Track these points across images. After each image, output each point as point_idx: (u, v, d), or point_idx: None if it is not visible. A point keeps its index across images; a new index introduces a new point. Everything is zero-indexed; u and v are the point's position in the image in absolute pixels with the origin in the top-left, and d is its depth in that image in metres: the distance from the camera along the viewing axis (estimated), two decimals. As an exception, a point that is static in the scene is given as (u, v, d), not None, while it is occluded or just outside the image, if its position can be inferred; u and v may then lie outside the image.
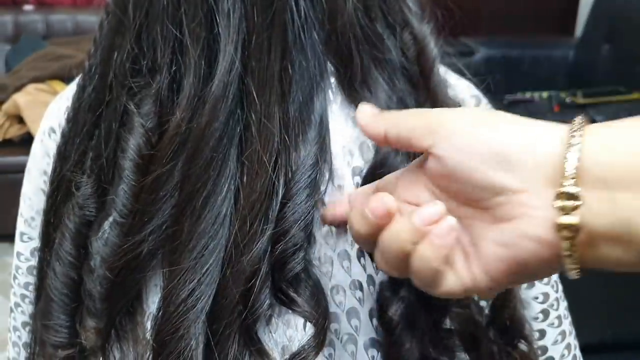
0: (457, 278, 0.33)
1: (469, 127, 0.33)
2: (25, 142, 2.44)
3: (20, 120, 2.45)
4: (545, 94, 1.91)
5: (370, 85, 0.42)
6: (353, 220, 0.35)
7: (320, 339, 0.39)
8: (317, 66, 0.42)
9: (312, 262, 0.40)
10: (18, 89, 2.46)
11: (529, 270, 0.31)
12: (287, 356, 0.40)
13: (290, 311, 0.40)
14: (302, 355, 0.38)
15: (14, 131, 2.47)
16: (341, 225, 0.41)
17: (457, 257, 0.33)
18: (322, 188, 0.41)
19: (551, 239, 0.30)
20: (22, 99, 2.40)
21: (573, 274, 0.30)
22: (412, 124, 0.35)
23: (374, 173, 0.41)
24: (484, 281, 0.32)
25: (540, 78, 2.19)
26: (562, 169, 0.29)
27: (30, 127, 2.38)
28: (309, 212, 0.39)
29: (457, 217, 0.33)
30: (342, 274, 0.41)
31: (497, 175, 0.31)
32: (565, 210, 0.29)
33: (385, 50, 0.43)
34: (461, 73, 0.49)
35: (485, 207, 0.32)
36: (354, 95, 0.43)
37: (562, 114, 1.78)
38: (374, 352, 0.41)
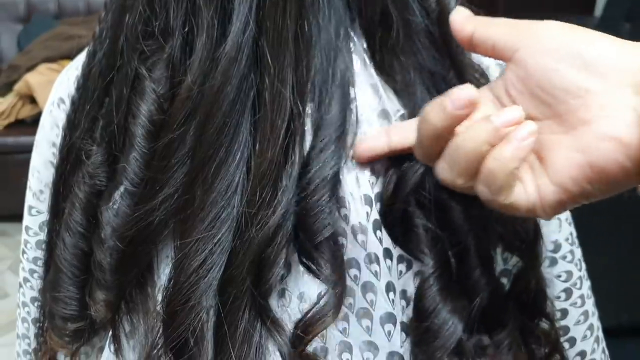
0: (523, 191, 0.33)
1: (560, 32, 0.33)
2: (37, 122, 2.44)
3: (32, 100, 2.45)
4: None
5: (397, 50, 0.40)
6: (428, 115, 0.34)
7: (337, 303, 0.38)
8: (339, 28, 0.40)
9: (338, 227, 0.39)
10: (30, 69, 2.46)
11: (602, 179, 0.31)
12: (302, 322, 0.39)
13: (303, 284, 0.39)
14: (319, 319, 0.38)
15: (27, 111, 2.48)
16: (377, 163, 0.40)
17: (524, 171, 0.33)
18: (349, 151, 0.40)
19: (634, 139, 0.30)
20: (34, 79, 2.41)
21: None
22: (502, 28, 0.35)
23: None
24: (552, 194, 0.32)
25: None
26: None
27: (42, 107, 2.38)
28: (336, 173, 0.38)
29: None
30: (357, 248, 0.40)
31: (580, 76, 0.31)
32: None
33: (410, 13, 0.41)
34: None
35: (560, 113, 0.32)
36: (380, 60, 0.41)
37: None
38: (390, 326, 0.40)
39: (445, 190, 0.39)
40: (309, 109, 0.40)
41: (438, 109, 0.33)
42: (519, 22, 0.35)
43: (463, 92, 0.33)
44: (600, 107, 0.31)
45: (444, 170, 0.34)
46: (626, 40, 0.32)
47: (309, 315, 0.38)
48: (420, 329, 0.39)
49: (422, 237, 0.39)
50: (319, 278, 0.38)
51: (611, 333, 1.28)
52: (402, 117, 0.41)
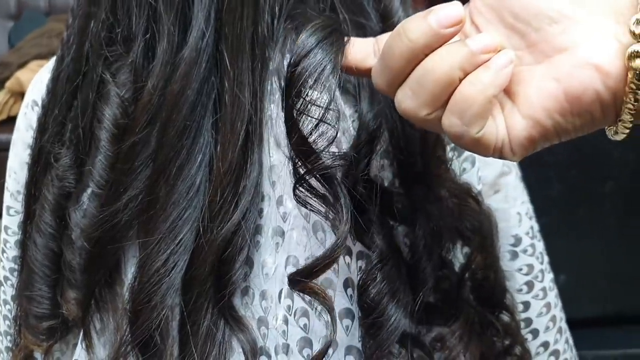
0: (494, 126, 0.31)
1: None
2: (29, 119, 2.44)
3: (23, 97, 2.45)
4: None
5: None
6: (405, 33, 0.31)
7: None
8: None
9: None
10: (21, 66, 2.46)
11: (577, 110, 0.29)
12: (264, 327, 0.41)
13: (265, 282, 0.40)
14: (326, 262, 0.38)
15: (18, 108, 2.47)
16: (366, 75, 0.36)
17: (494, 108, 0.31)
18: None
19: (614, 72, 0.28)
20: (25, 76, 2.40)
21: (622, 128, 0.29)
22: None
23: None
24: (523, 129, 0.30)
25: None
26: (635, 5, 0.28)
27: (34, 104, 2.38)
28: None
29: None
30: (316, 245, 0.41)
31: (559, 0, 0.30)
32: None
33: (365, 17, 0.42)
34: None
35: (534, 42, 0.31)
36: None
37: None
38: (348, 322, 0.41)
39: (398, 181, 0.40)
40: (270, 112, 0.41)
41: (421, 24, 0.30)
42: None
43: (451, 10, 0.30)
44: (580, 33, 0.29)
45: (408, 98, 0.31)
46: None
47: (272, 319, 0.39)
48: (366, 322, 0.40)
49: (375, 228, 0.40)
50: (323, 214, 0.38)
51: (595, 322, 1.29)
52: (354, 123, 0.42)
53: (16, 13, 2.82)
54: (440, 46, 0.30)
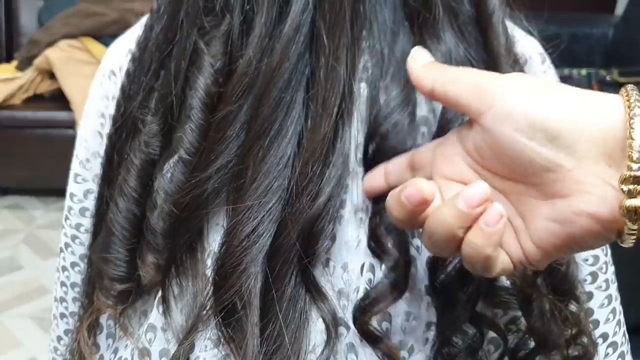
0: (508, 257, 0.34)
1: (519, 99, 0.32)
2: (55, 98, 2.46)
3: (51, 75, 2.47)
4: (584, 72, 1.87)
5: (439, 35, 0.42)
6: (390, 206, 0.35)
7: (401, 286, 0.40)
8: (395, 11, 0.42)
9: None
10: (50, 44, 2.48)
11: (582, 245, 0.32)
12: (344, 299, 0.41)
13: (347, 255, 0.41)
14: (380, 301, 0.40)
15: (45, 86, 2.50)
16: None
17: (506, 236, 0.33)
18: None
19: (611, 217, 0.30)
20: (54, 55, 2.42)
21: (628, 245, 0.31)
22: (461, 85, 0.34)
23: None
24: (536, 255, 0.33)
25: (578, 56, 2.15)
26: (624, 146, 0.29)
27: (61, 83, 2.40)
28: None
29: (502, 192, 0.34)
30: None
31: (547, 151, 0.31)
32: (632, 194, 0.29)
33: (456, 1, 0.42)
34: (528, 31, 0.49)
35: (534, 183, 0.32)
36: (420, 42, 0.42)
37: (602, 92, 1.75)
38: (429, 298, 0.42)
39: None
40: (362, 89, 0.42)
41: (397, 204, 0.34)
42: (481, 81, 0.34)
43: (416, 190, 0.33)
44: (573, 182, 0.31)
45: (428, 245, 0.35)
46: (587, 93, 0.31)
47: (373, 292, 0.40)
48: (438, 301, 0.41)
49: None
50: (382, 261, 0.40)
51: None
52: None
53: (47, -8, 2.83)
54: (420, 214, 0.34)
